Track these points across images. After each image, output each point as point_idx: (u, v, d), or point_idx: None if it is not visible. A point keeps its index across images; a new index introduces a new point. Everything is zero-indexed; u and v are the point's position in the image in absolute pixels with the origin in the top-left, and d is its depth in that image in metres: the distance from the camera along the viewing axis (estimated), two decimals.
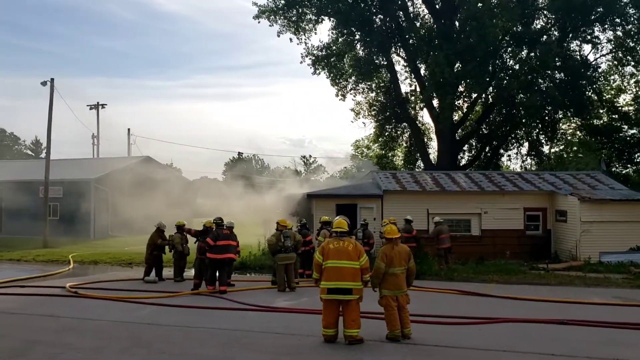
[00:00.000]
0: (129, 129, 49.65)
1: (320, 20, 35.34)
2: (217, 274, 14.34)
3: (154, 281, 16.14)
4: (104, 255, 23.28)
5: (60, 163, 36.57)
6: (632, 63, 33.67)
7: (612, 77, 36.95)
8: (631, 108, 36.08)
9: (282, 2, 34.51)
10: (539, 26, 33.78)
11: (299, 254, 15.70)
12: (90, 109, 49.81)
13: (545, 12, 33.67)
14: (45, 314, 11.39)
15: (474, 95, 35.23)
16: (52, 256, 23.18)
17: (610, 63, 35.27)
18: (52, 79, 30.55)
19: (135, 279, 16.64)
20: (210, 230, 14.86)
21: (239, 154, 64.25)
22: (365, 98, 39.13)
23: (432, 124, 36.84)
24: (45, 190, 30.31)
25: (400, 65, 38.35)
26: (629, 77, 36.06)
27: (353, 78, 37.04)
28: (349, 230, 9.32)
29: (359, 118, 39.88)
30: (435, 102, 33.46)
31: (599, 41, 33.71)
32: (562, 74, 32.74)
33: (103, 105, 49.85)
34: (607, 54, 34.38)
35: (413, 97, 38.66)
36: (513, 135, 37.30)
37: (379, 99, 38.73)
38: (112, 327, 10.30)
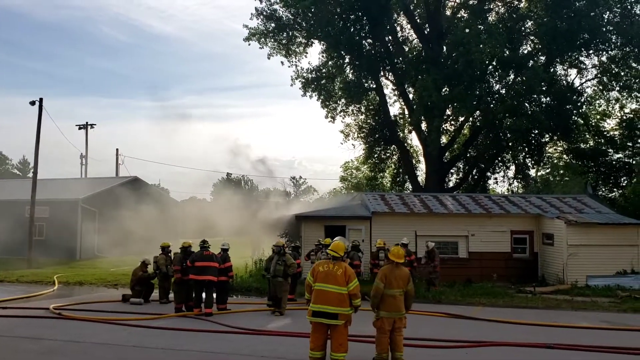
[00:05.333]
0: (117, 149, 49.34)
1: (310, 43, 35.72)
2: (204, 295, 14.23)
3: (140, 303, 15.99)
4: (89, 276, 23.00)
5: (47, 183, 36.31)
6: (617, 88, 34.24)
7: (598, 102, 37.54)
8: (617, 132, 36.56)
9: (273, 25, 34.84)
10: (526, 51, 34.32)
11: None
12: (79, 128, 49.51)
13: (532, 37, 34.27)
14: (28, 336, 11.23)
15: (462, 119, 35.63)
16: (37, 277, 22.85)
17: (596, 88, 35.88)
18: (41, 99, 30.51)
19: (121, 301, 16.45)
20: (190, 251, 15.01)
21: (228, 174, 64.00)
22: (354, 120, 39.57)
23: (420, 147, 37.10)
24: (32, 210, 30.02)
25: (389, 89, 38.89)
26: (614, 101, 36.65)
27: (343, 100, 37.38)
28: (344, 254, 9.24)
29: (349, 140, 40.27)
30: (423, 125, 33.74)
31: (584, 66, 34.44)
32: (549, 98, 33.17)
33: (92, 125, 49.57)
34: (593, 78, 35.02)
35: (402, 120, 39.08)
36: (500, 158, 37.64)
37: (368, 121, 39.07)
38: (96, 349, 10.17)
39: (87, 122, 49.39)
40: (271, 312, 14.43)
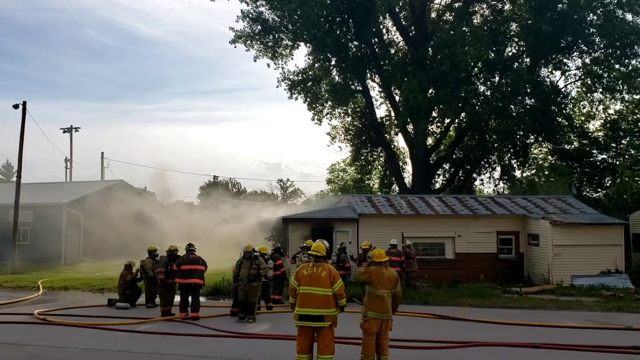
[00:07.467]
0: (102, 153, 49.25)
1: (296, 45, 35.72)
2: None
3: (126, 307, 15.87)
4: (74, 281, 22.76)
5: (31, 187, 35.92)
6: (600, 90, 34.61)
7: (582, 103, 37.91)
8: (601, 134, 36.94)
9: (259, 27, 34.77)
10: (510, 53, 34.61)
11: (269, 279, 15.53)
12: (64, 132, 49.25)
13: (516, 39, 34.57)
14: (11, 342, 11.07)
15: (447, 121, 35.85)
16: (21, 282, 22.58)
17: (580, 89, 36.27)
18: (25, 102, 30.19)
19: (107, 305, 16.31)
20: (175, 255, 14.96)
21: (215, 177, 63.89)
22: (341, 122, 39.68)
23: (406, 148, 37.28)
24: (15, 214, 29.68)
25: (375, 91, 39.03)
26: (597, 103, 37.02)
27: (329, 103, 37.43)
28: (327, 255, 9.20)
29: (335, 142, 40.41)
30: (409, 127, 33.89)
31: (568, 68, 34.80)
32: (533, 100, 33.46)
33: (77, 129, 49.35)
34: (577, 80, 35.40)
35: (388, 122, 39.19)
36: (485, 160, 37.88)
37: (355, 123, 39.16)
38: (81, 355, 10.07)
39: (71, 126, 49.25)
40: (240, 318, 13.79)
